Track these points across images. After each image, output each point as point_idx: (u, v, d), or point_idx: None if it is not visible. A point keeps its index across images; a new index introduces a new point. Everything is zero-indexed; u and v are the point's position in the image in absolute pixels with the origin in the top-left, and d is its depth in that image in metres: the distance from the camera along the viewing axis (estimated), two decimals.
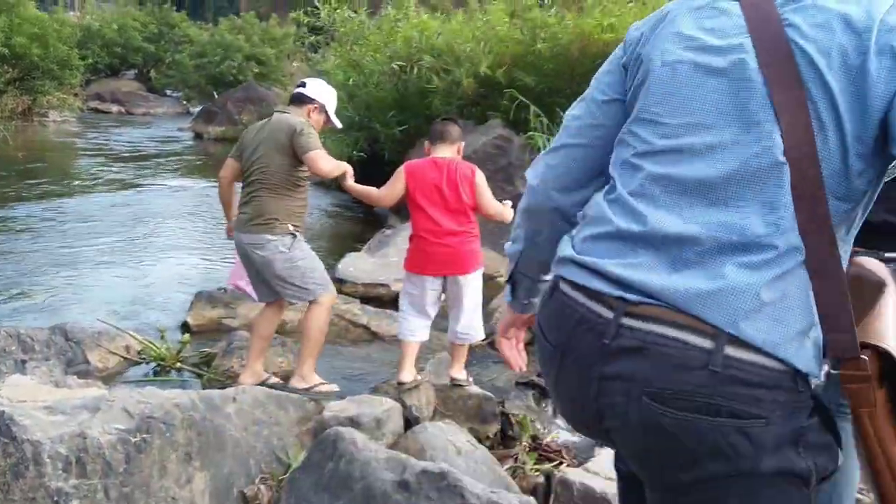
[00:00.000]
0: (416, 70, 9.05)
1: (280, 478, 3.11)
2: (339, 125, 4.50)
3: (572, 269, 1.32)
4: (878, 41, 1.10)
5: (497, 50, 8.24)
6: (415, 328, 4.05)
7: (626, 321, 1.20)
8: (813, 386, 1.16)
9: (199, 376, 4.37)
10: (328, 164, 3.98)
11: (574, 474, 3.50)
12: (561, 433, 4.09)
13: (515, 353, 1.91)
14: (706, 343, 1.14)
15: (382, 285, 6.06)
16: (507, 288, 1.74)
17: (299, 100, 4.20)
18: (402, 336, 4.08)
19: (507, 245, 1.69)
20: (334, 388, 4.13)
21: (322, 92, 4.25)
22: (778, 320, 1.13)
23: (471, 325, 4.02)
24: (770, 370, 1.12)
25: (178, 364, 4.50)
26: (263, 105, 21.25)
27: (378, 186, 4.17)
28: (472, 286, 3.98)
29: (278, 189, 4.02)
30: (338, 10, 10.29)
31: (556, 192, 1.50)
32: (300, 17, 10.47)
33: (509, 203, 4.25)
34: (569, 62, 8.02)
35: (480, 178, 3.96)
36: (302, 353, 4.15)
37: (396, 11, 9.99)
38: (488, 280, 6.39)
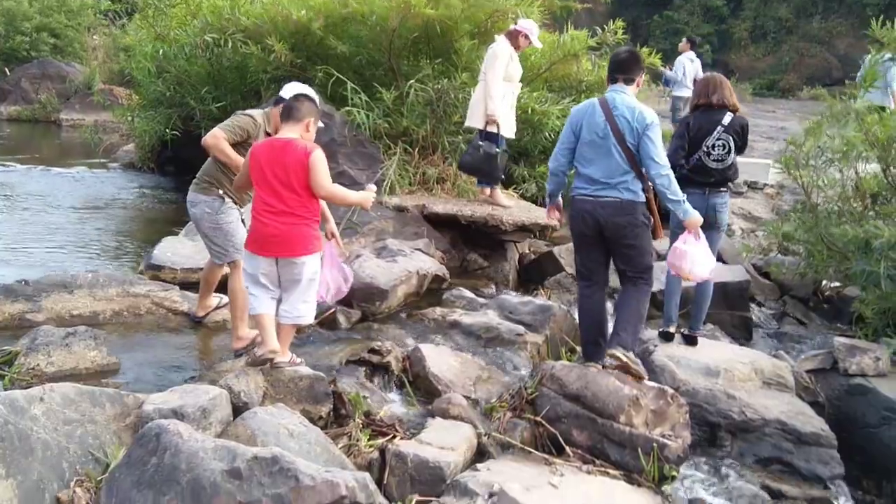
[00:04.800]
0: (230, 44, 8.67)
1: (98, 479, 2.93)
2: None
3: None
4: (639, 123, 4.30)
5: (314, 6, 8.08)
6: (261, 300, 3.95)
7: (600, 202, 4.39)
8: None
9: (1, 377, 4.01)
10: (210, 137, 4.46)
11: (407, 446, 3.55)
12: (393, 407, 4.13)
13: (554, 218, 5.04)
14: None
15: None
16: (548, 199, 4.83)
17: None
18: (251, 311, 4.05)
19: (549, 187, 4.79)
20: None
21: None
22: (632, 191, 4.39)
23: (295, 307, 3.95)
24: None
25: None
26: (67, 82, 19.66)
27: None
28: (302, 270, 3.89)
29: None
30: None
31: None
32: None
33: (373, 187, 4.24)
34: (386, 33, 7.97)
35: (315, 159, 3.80)
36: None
37: None
38: None
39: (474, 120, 7.26)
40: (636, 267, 4.42)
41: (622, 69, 4.48)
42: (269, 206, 3.81)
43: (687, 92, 12.05)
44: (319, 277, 4.06)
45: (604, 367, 4.34)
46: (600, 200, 4.33)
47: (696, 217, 4.43)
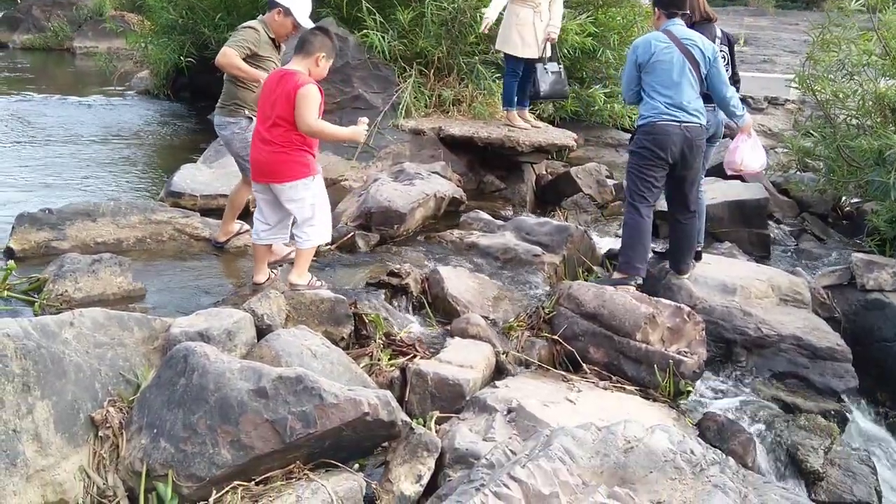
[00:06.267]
0: None
1: (130, 399, 3.03)
2: (306, 25, 4.60)
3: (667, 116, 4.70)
4: (707, 52, 4.67)
5: None
6: (258, 230, 4.18)
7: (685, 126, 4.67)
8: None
9: (31, 303, 4.12)
10: (221, 56, 4.55)
11: (427, 365, 3.64)
12: (413, 327, 4.21)
13: None
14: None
15: (223, 196, 5.82)
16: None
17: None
18: (251, 237, 4.28)
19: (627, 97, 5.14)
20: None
21: None
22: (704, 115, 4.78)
23: (304, 231, 4.05)
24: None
25: (5, 292, 4.21)
26: (75, 9, 19.44)
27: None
28: (294, 195, 3.97)
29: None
30: None
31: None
32: None
33: (365, 120, 4.15)
34: None
35: (303, 93, 3.77)
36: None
37: None
38: (331, 184, 6.35)
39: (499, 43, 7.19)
40: (696, 192, 4.90)
41: (677, 5, 4.80)
42: (259, 133, 3.97)
43: None
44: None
45: (638, 286, 4.62)
46: (685, 125, 4.63)
47: (750, 119, 4.94)
